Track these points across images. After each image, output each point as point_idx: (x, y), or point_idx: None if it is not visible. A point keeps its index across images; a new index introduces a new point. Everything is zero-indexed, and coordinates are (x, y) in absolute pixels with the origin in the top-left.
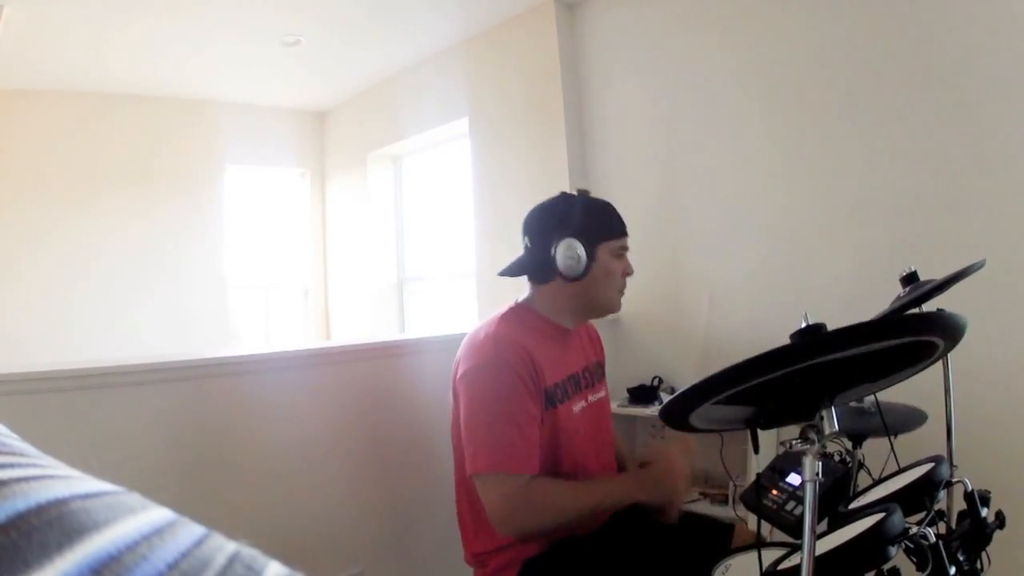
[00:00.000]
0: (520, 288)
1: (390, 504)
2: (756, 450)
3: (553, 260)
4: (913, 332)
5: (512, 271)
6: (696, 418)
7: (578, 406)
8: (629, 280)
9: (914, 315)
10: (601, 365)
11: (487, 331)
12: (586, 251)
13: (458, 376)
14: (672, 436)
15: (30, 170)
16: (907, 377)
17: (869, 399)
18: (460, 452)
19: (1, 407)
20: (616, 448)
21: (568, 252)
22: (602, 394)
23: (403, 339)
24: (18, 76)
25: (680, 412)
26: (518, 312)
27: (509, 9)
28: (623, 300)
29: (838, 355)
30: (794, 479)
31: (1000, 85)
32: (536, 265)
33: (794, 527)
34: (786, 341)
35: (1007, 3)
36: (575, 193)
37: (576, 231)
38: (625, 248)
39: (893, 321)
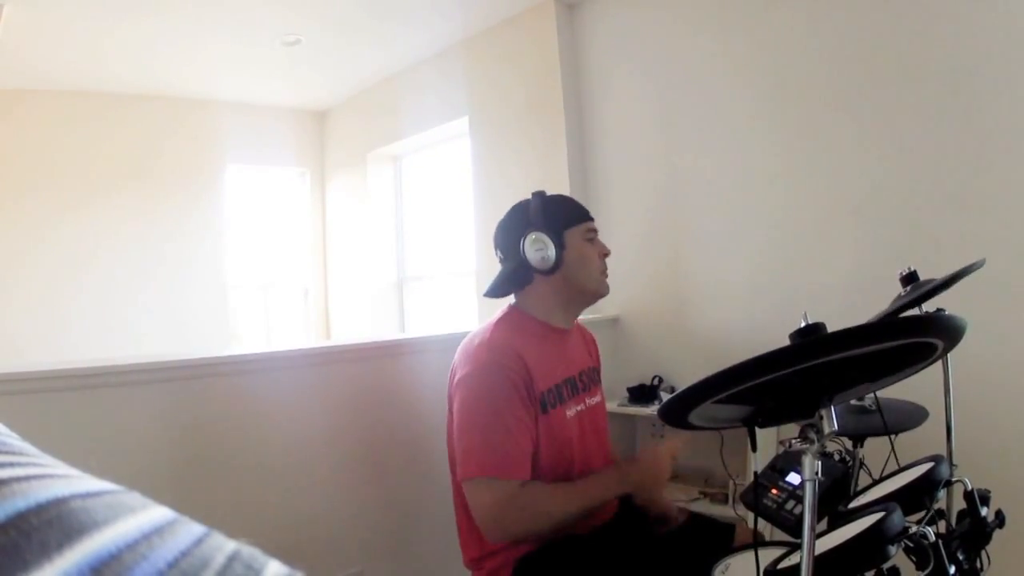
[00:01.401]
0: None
1: (389, 504)
2: (754, 448)
3: (525, 259)
4: (913, 333)
5: (495, 290)
6: (695, 416)
7: (573, 410)
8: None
9: (914, 316)
10: (597, 371)
11: (482, 337)
12: (553, 240)
13: (454, 382)
14: (669, 435)
15: (30, 170)
16: (906, 376)
17: (869, 396)
18: (455, 460)
19: (1, 407)
20: (613, 455)
21: (535, 245)
22: (598, 399)
23: (403, 339)
24: (18, 76)
25: (680, 411)
26: (512, 317)
27: (509, 9)
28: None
29: (838, 356)
30: (794, 478)
31: (1000, 85)
32: (513, 271)
33: (794, 526)
34: (786, 341)
35: (1007, 3)
36: (530, 197)
37: (537, 225)
38: (593, 231)
39: (893, 322)
